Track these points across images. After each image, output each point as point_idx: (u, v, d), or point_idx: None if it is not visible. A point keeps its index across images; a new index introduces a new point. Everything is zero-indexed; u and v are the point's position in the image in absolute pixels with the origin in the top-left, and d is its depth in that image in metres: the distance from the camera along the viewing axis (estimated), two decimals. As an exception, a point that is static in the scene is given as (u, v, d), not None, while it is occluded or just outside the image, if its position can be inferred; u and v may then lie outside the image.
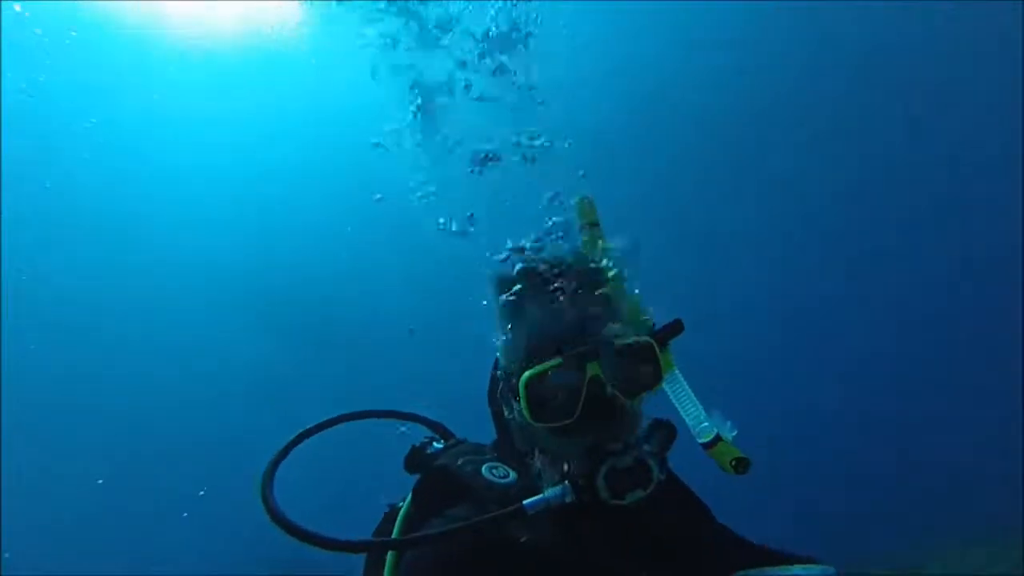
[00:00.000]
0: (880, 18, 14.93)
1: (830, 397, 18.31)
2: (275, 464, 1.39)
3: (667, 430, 1.32)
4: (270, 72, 13.40)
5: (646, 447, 1.25)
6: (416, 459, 1.43)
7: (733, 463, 1.29)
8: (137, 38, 12.00)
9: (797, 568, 1.24)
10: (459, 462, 1.36)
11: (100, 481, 15.46)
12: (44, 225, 14.74)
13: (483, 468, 1.32)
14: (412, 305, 16.31)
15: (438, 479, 1.36)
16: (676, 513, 1.34)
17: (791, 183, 17.74)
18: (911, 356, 18.30)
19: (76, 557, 15.14)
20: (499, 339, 1.38)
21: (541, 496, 1.20)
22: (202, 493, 15.27)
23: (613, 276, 1.33)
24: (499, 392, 1.39)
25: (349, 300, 17.72)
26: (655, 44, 14.41)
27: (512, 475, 1.32)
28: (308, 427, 1.51)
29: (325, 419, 1.54)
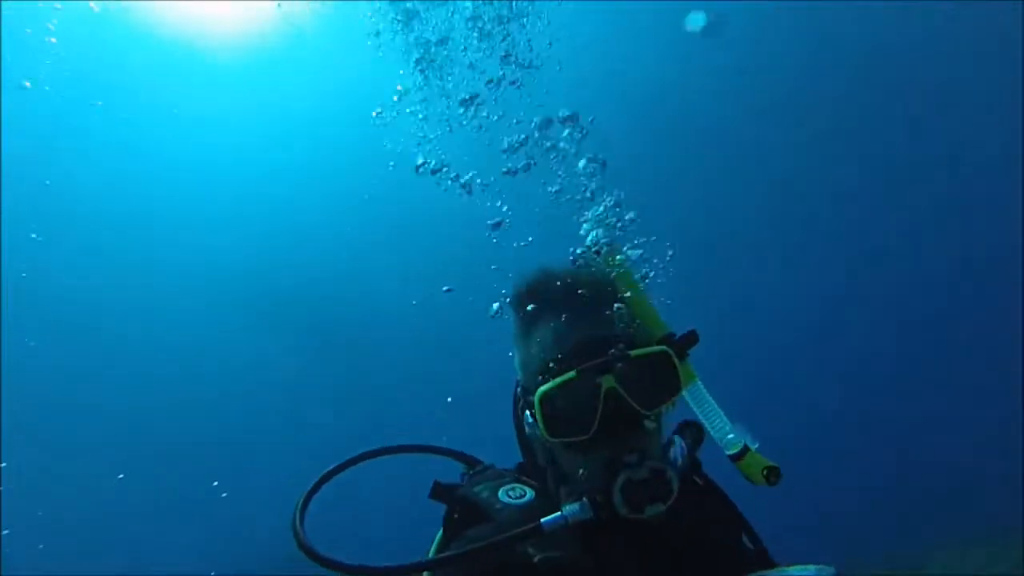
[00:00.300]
0: (880, 18, 14.93)
1: (830, 398, 18.32)
2: (307, 500, 1.38)
3: (694, 431, 1.31)
4: (272, 72, 13.40)
5: (673, 459, 1.24)
6: (439, 491, 1.40)
7: (765, 473, 1.26)
8: (142, 37, 12.03)
9: (795, 569, 1.20)
10: (476, 488, 1.35)
11: (120, 476, 15.48)
12: (49, 224, 14.77)
13: (500, 492, 1.31)
14: (416, 305, 16.36)
15: (459, 507, 1.35)
16: (702, 523, 1.31)
17: (790, 184, 17.75)
18: (911, 357, 18.29)
19: (76, 557, 15.14)
20: (516, 356, 1.36)
21: (559, 513, 1.18)
22: (216, 484, 15.26)
23: (628, 287, 1.32)
24: (519, 409, 1.37)
25: (353, 301, 17.73)
26: (655, 45, 14.41)
27: (529, 494, 1.31)
28: (337, 464, 1.48)
29: (354, 456, 1.51)
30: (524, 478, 1.36)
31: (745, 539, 1.37)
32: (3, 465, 13.59)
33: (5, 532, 12.82)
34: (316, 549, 1.21)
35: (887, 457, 17.34)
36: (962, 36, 15.45)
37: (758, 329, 18.44)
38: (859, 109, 16.83)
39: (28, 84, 11.58)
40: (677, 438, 1.32)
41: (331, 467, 1.47)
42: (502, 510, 1.27)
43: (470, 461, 1.57)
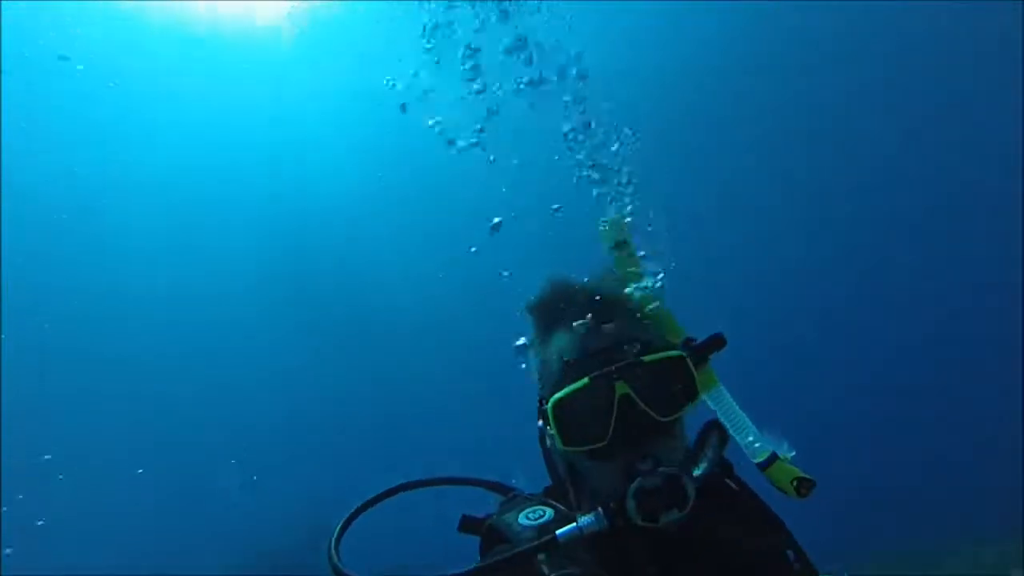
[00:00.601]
0: (880, 18, 15.00)
1: (841, 398, 18.29)
2: (343, 529, 1.37)
3: (720, 432, 1.27)
4: (289, 67, 13.48)
5: (699, 464, 1.20)
6: (466, 524, 1.39)
7: (795, 483, 1.22)
8: (163, 34, 12.13)
9: None
10: (503, 516, 1.32)
11: (140, 471, 15.53)
12: (64, 214, 14.84)
13: (520, 516, 1.28)
14: (429, 302, 16.42)
15: (487, 536, 1.34)
16: (730, 530, 1.26)
17: (789, 185, 17.79)
18: (923, 356, 18.26)
19: (76, 556, 15.05)
20: (534, 367, 1.35)
21: (574, 524, 1.15)
22: (255, 478, 15.34)
23: (644, 295, 1.30)
24: (538, 423, 1.35)
25: (369, 294, 17.79)
26: (658, 44, 14.44)
27: (548, 513, 1.28)
28: (373, 496, 1.47)
29: (390, 487, 1.49)
30: (549, 500, 1.33)
31: (789, 551, 1.31)
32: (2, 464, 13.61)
33: (40, 523, 12.93)
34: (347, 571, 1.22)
35: (896, 458, 17.30)
36: (962, 36, 15.50)
37: (759, 331, 18.44)
38: (858, 109, 16.89)
39: (71, 58, 11.63)
40: (713, 438, 1.28)
41: (366, 499, 1.45)
42: (521, 532, 1.24)
43: (505, 490, 1.54)
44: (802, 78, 16.07)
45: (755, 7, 14.17)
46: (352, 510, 1.41)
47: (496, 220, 1.45)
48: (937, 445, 16.78)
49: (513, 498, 1.43)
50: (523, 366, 1.37)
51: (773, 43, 15.27)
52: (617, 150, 1.50)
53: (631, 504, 1.12)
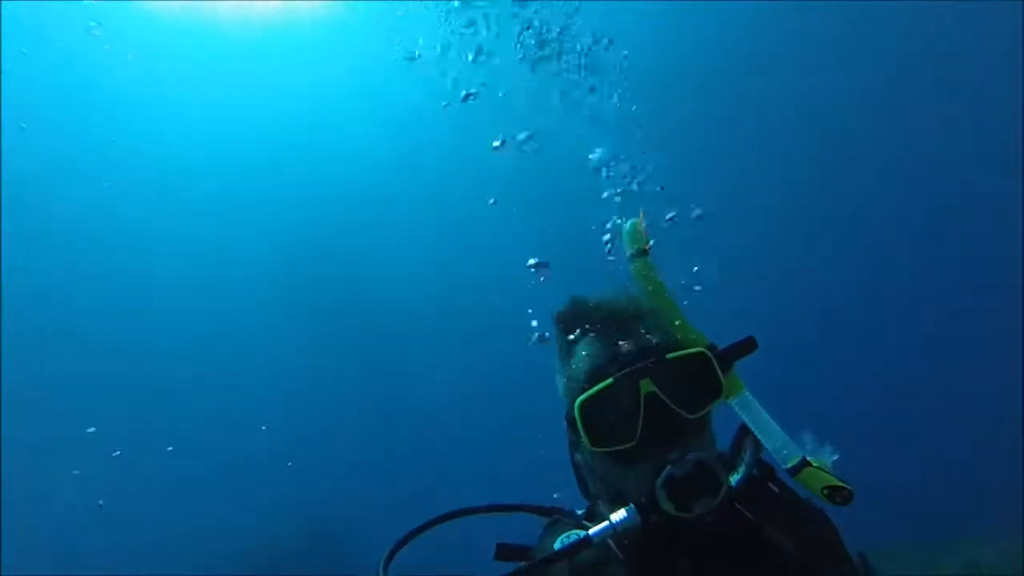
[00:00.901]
0: (880, 18, 14.98)
1: (841, 399, 18.26)
2: (391, 554, 1.37)
3: (753, 436, 1.26)
4: (303, 61, 13.48)
5: (737, 468, 1.21)
6: (503, 552, 1.36)
7: (826, 492, 1.19)
8: (175, 28, 12.16)
9: None
10: (541, 544, 1.33)
11: (170, 448, 15.51)
12: (79, 205, 14.94)
13: (556, 542, 1.28)
14: (442, 298, 16.39)
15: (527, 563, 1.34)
16: (769, 530, 1.24)
17: (790, 186, 17.76)
18: (923, 356, 18.22)
19: (76, 557, 15.07)
20: (559, 382, 1.36)
21: (607, 523, 1.15)
22: (265, 427, 15.22)
23: (664, 303, 1.31)
24: (568, 437, 1.35)
25: (370, 293, 17.78)
26: (658, 43, 14.42)
27: (583, 534, 1.27)
28: (421, 523, 1.45)
29: (430, 518, 1.47)
30: (586, 522, 1.33)
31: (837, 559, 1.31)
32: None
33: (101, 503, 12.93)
34: None
35: (896, 458, 17.28)
36: (962, 36, 15.48)
37: (760, 330, 18.30)
38: (859, 109, 16.86)
39: (95, 27, 11.64)
40: (748, 442, 1.28)
41: (415, 526, 1.43)
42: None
43: (549, 513, 1.52)
44: (802, 78, 16.05)
45: (755, 7, 14.14)
46: (402, 536, 1.40)
47: (499, 142, 1.47)
48: (937, 445, 16.76)
49: (554, 522, 1.42)
50: (542, 279, 1.37)
51: (773, 43, 15.24)
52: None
53: (662, 495, 1.10)
